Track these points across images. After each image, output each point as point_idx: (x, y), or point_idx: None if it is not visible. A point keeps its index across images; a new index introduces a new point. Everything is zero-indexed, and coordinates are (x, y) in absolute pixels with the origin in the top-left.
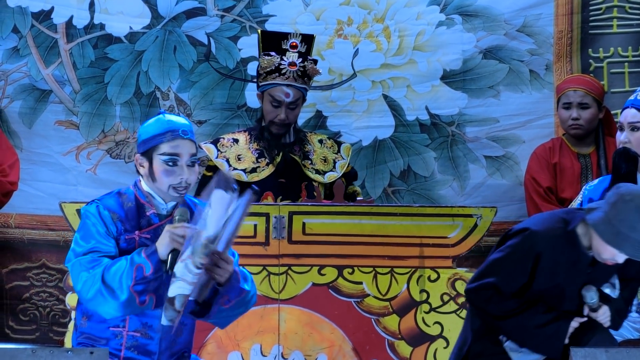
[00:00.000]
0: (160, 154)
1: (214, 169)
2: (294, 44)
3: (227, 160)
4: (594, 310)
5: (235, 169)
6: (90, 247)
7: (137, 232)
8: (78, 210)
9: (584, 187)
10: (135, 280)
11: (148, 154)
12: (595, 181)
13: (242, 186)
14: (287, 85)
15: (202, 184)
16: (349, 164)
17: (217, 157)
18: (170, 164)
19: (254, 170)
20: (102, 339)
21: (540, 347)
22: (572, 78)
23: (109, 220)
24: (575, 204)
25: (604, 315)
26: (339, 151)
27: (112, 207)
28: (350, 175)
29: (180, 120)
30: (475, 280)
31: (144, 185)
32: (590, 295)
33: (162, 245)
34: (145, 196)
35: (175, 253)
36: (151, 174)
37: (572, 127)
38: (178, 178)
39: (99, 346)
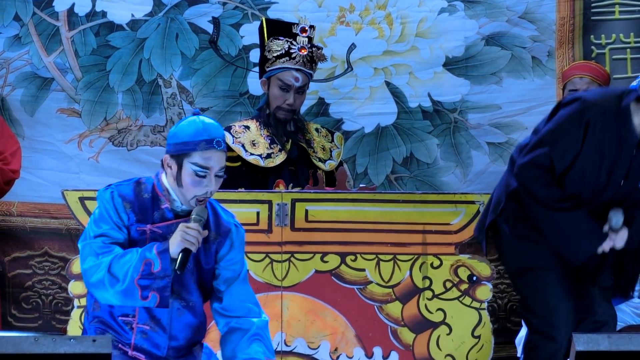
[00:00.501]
0: (192, 163)
1: (236, 159)
2: (305, 28)
3: (243, 146)
4: (615, 231)
5: (251, 154)
6: (101, 231)
7: (149, 225)
8: (80, 198)
9: None
10: (142, 274)
11: (178, 158)
12: None
13: (260, 171)
14: (297, 70)
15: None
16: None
17: (233, 143)
18: (200, 174)
19: (269, 155)
20: (114, 326)
21: (567, 251)
22: (578, 65)
23: (121, 207)
24: None
25: (621, 237)
26: (332, 140)
27: (127, 195)
28: (340, 166)
29: (216, 128)
30: (528, 153)
31: (165, 181)
32: (616, 220)
33: (174, 244)
34: (163, 189)
35: (186, 253)
36: (178, 179)
37: None
38: (204, 189)
39: (111, 332)
